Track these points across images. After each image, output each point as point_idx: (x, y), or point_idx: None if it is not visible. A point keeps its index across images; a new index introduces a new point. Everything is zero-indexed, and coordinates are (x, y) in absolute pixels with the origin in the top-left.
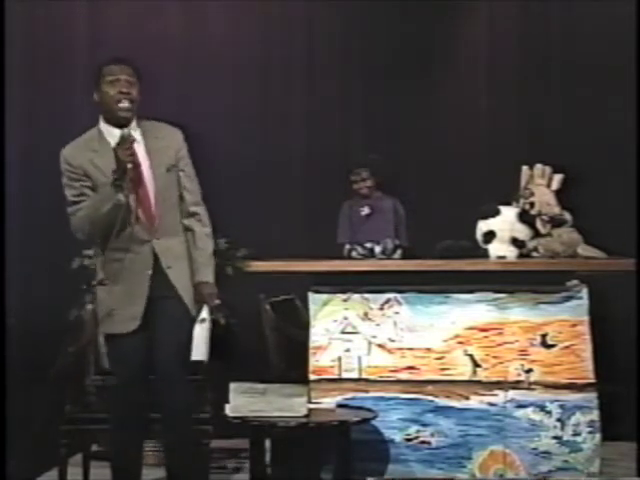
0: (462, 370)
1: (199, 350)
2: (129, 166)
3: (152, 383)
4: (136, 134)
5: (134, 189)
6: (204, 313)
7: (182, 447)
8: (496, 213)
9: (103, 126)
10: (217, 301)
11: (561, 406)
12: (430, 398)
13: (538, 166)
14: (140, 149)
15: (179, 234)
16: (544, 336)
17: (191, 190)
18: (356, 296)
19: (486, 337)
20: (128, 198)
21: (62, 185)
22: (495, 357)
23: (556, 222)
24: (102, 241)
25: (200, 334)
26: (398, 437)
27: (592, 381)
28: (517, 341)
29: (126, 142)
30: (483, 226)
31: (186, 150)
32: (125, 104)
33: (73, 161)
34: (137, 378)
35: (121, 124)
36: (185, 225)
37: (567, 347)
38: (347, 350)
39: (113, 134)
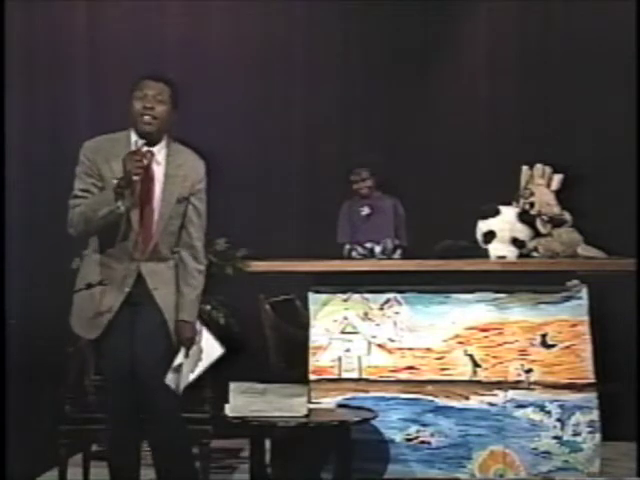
0: (462, 370)
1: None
2: (135, 178)
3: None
4: (160, 155)
5: (140, 206)
6: (180, 358)
7: (167, 449)
8: (496, 213)
9: (132, 134)
10: (194, 347)
11: (561, 406)
12: (430, 398)
13: (538, 166)
14: (159, 171)
15: (169, 260)
16: (544, 336)
17: (196, 225)
18: (356, 296)
19: (486, 337)
20: (129, 210)
21: (75, 175)
22: (495, 357)
23: (556, 222)
24: (101, 243)
25: (173, 381)
26: (398, 437)
27: (592, 381)
28: (517, 341)
29: (137, 154)
30: (483, 226)
31: (204, 184)
32: (146, 119)
33: (91, 155)
34: (124, 379)
35: (146, 139)
36: (180, 255)
37: (567, 347)
38: (347, 350)
39: (138, 144)
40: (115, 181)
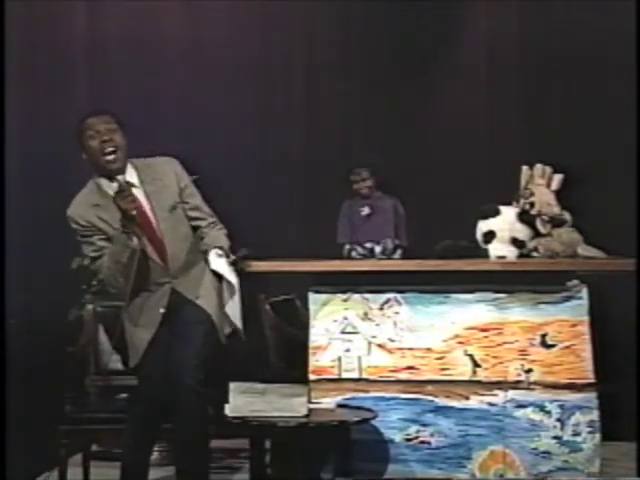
0: (462, 370)
1: (220, 266)
2: (133, 213)
3: (169, 390)
4: (133, 178)
5: (143, 234)
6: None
7: (194, 452)
8: (496, 213)
9: (99, 180)
10: (232, 256)
11: (561, 406)
12: (430, 398)
13: (538, 166)
14: (139, 193)
15: (198, 264)
16: (544, 336)
17: (202, 217)
18: (356, 296)
19: (486, 337)
20: (141, 241)
21: (79, 242)
22: (495, 357)
23: (556, 222)
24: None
25: (217, 258)
26: (398, 437)
27: (592, 381)
28: (517, 341)
29: (124, 191)
30: (483, 226)
31: (187, 178)
32: (110, 157)
33: (81, 220)
34: (159, 383)
35: (115, 174)
36: (201, 243)
37: (567, 347)
38: (347, 350)
39: (111, 186)
40: (116, 227)
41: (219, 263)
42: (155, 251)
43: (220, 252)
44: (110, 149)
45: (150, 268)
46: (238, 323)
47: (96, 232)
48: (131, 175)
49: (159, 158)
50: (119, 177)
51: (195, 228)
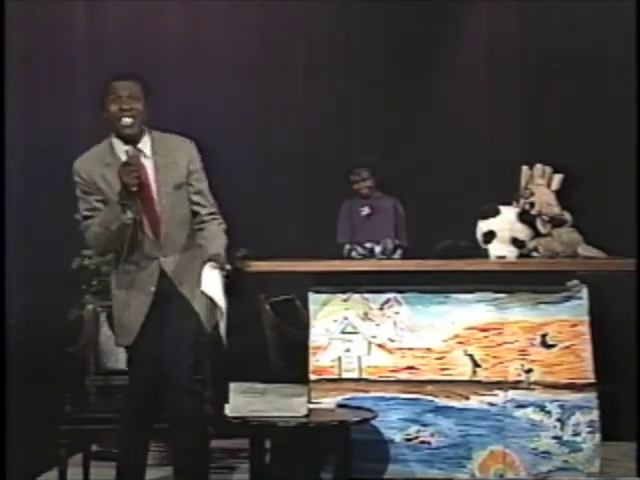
0: (462, 370)
1: (211, 288)
2: (133, 189)
3: (161, 389)
4: (146, 148)
5: (142, 205)
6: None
7: (192, 452)
8: (496, 213)
9: (114, 140)
10: (228, 266)
11: (561, 406)
12: (430, 398)
13: (538, 166)
14: (149, 164)
15: (191, 249)
16: (544, 336)
17: (203, 204)
18: (356, 296)
19: (486, 337)
20: (136, 215)
21: (76, 197)
22: (495, 357)
23: (556, 222)
24: (117, 255)
25: (211, 274)
26: (398, 437)
27: (592, 381)
28: (517, 341)
29: (131, 165)
30: (483, 226)
31: (199, 162)
32: (127, 121)
33: (85, 174)
34: (151, 380)
35: (129, 140)
36: (198, 235)
37: (567, 347)
38: (347, 350)
39: (123, 150)
40: (115, 193)
41: (211, 280)
42: (149, 224)
43: (214, 264)
44: (128, 119)
45: (142, 241)
46: (224, 337)
47: (95, 191)
48: (145, 144)
49: (177, 136)
50: (129, 148)
51: (195, 213)
